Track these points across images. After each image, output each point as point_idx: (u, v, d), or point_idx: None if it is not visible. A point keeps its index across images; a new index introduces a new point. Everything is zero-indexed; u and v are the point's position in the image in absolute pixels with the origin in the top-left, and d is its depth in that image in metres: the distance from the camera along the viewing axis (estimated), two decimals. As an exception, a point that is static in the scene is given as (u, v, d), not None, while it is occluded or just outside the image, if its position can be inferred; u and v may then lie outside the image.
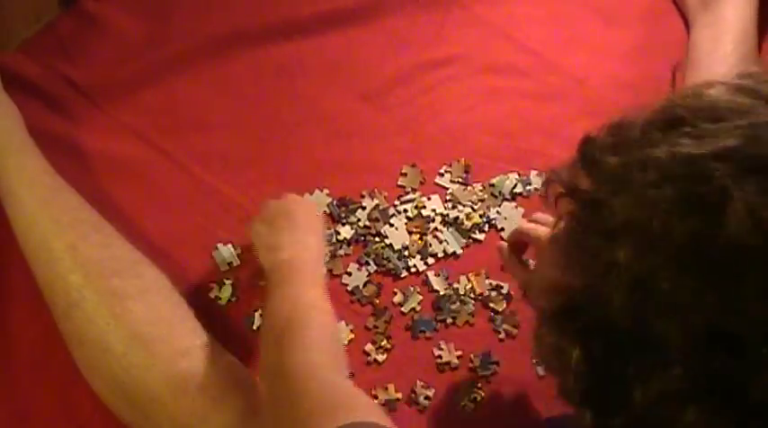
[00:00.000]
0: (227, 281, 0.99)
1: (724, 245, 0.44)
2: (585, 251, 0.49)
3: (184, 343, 0.84)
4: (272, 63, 1.14)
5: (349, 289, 0.99)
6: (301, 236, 0.88)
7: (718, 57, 1.05)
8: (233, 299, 0.98)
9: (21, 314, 0.94)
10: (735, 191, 0.44)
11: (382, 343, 0.97)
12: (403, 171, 1.07)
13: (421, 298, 0.99)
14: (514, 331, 0.98)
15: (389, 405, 0.94)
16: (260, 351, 0.80)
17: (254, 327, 0.96)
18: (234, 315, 0.97)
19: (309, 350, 0.71)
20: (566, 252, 0.52)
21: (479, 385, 0.95)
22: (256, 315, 0.97)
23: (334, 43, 1.16)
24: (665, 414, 0.45)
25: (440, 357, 0.96)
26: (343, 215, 1.03)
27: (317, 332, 0.74)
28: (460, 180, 1.07)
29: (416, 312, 0.99)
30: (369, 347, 0.97)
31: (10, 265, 0.95)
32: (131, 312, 0.84)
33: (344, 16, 1.18)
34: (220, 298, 0.98)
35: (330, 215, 1.04)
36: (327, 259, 0.97)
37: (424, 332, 0.98)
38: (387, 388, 0.95)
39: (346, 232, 1.02)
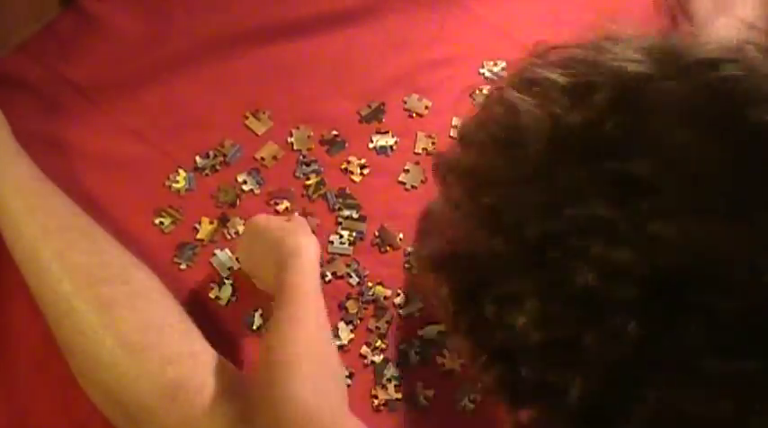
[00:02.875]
0: (227, 282, 0.99)
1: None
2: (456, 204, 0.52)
3: (174, 349, 0.83)
4: (272, 63, 1.14)
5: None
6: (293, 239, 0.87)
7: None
8: (233, 299, 0.98)
9: (21, 314, 0.94)
10: None
11: (377, 344, 0.97)
12: (406, 167, 1.08)
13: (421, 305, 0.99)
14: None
15: (389, 405, 0.94)
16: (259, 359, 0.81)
17: (255, 327, 0.96)
18: (234, 315, 0.97)
19: (290, 380, 0.74)
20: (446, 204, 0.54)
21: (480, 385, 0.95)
22: (256, 315, 0.97)
23: (334, 43, 1.17)
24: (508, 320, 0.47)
25: (443, 365, 0.97)
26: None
27: (297, 357, 0.76)
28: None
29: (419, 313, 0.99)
30: (364, 349, 0.97)
31: (10, 265, 0.94)
32: (120, 320, 0.83)
33: (344, 16, 1.18)
34: (221, 299, 0.98)
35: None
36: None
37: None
38: (386, 388, 0.95)
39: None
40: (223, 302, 0.98)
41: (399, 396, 0.94)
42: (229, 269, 0.99)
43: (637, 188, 0.43)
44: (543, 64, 0.52)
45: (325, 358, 0.81)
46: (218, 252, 1.00)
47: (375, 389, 0.94)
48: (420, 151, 1.09)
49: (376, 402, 0.94)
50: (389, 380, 0.95)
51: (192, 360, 0.83)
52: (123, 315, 0.84)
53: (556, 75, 0.49)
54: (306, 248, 0.85)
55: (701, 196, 0.43)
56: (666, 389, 0.43)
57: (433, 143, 1.09)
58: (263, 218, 0.93)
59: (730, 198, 0.43)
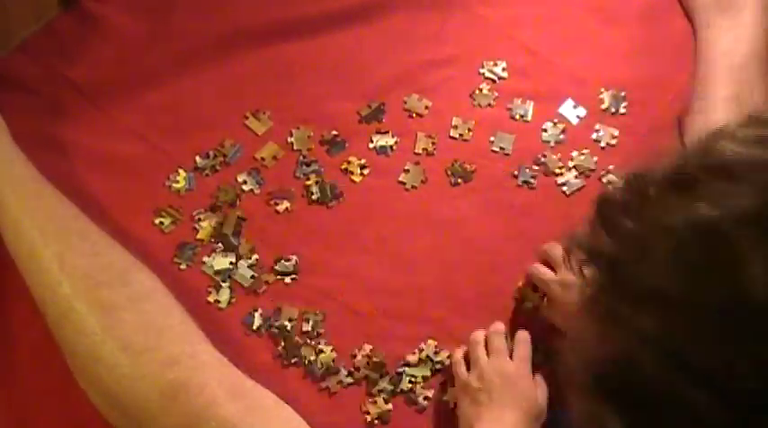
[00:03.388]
0: (225, 284, 0.99)
1: (752, 311, 0.43)
2: (614, 319, 0.48)
3: (175, 350, 0.83)
4: (273, 63, 1.14)
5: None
6: (501, 412, 0.86)
7: (735, 60, 1.05)
8: (232, 301, 0.98)
9: (21, 314, 0.94)
10: (752, 254, 0.43)
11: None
12: (406, 167, 1.08)
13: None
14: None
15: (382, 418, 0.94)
16: None
17: (255, 327, 0.96)
18: (234, 316, 0.97)
19: None
20: (595, 319, 0.50)
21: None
22: (256, 315, 0.97)
23: (334, 43, 1.16)
24: None
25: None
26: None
27: None
28: (461, 181, 1.07)
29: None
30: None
31: (10, 265, 0.94)
32: (120, 322, 0.83)
33: (345, 16, 1.18)
34: (219, 302, 0.98)
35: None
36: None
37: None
38: (376, 402, 0.95)
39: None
40: (223, 305, 0.98)
41: (390, 407, 0.94)
42: (220, 272, 0.99)
43: None
44: None
45: None
46: (206, 258, 1.00)
47: (365, 405, 0.95)
48: (420, 151, 1.09)
49: (368, 418, 0.94)
50: (379, 393, 0.95)
51: (193, 360, 0.83)
52: (123, 317, 0.84)
53: None
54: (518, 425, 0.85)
55: None
56: None
57: (433, 143, 1.09)
58: (519, 376, 0.89)
59: None
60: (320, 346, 0.96)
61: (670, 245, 0.46)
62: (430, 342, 0.97)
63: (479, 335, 0.93)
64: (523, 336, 0.93)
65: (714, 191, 0.46)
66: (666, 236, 0.46)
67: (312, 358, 0.95)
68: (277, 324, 0.97)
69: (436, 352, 0.97)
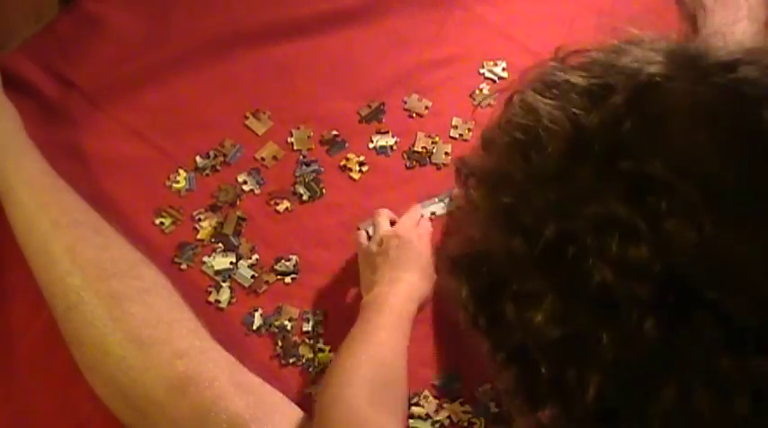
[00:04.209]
0: (225, 284, 0.99)
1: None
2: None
3: (183, 344, 0.84)
4: (272, 63, 1.14)
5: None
6: (400, 272, 0.90)
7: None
8: (233, 301, 0.98)
9: (21, 314, 0.94)
10: None
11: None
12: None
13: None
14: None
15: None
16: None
17: (255, 327, 0.96)
18: (234, 316, 0.97)
19: (350, 386, 0.77)
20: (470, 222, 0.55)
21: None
22: (257, 315, 0.97)
23: (334, 43, 1.17)
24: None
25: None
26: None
27: (367, 369, 0.79)
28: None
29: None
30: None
31: (10, 265, 0.95)
32: (130, 314, 0.84)
33: (344, 16, 1.18)
34: (220, 302, 0.98)
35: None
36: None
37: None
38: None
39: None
40: (223, 305, 0.98)
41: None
42: (220, 272, 0.99)
43: (653, 188, 0.43)
44: (563, 67, 0.52)
45: (390, 378, 0.81)
46: (206, 258, 1.00)
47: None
48: (420, 150, 1.09)
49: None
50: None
51: (202, 355, 0.84)
52: (133, 309, 0.84)
53: (575, 78, 0.50)
54: (417, 281, 0.90)
55: (716, 197, 0.43)
56: (681, 388, 0.44)
57: (433, 142, 1.09)
58: (414, 236, 0.94)
59: (744, 198, 0.43)
60: (319, 345, 0.96)
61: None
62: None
63: (383, 210, 0.98)
64: (413, 209, 0.99)
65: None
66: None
67: (310, 356, 0.95)
68: (277, 323, 0.97)
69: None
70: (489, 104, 1.12)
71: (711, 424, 0.44)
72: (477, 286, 0.51)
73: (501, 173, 0.50)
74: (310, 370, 0.94)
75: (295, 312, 0.98)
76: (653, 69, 0.47)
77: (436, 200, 1.04)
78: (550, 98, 0.49)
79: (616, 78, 0.48)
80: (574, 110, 0.47)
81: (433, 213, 1.03)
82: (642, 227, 0.43)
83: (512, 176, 0.49)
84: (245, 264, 1.00)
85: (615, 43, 0.53)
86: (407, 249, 0.92)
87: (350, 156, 1.08)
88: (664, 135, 0.45)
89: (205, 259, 1.00)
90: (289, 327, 0.97)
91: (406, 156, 1.08)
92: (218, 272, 0.99)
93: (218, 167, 1.06)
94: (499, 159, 0.51)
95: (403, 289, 0.89)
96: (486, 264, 0.50)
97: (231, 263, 1.00)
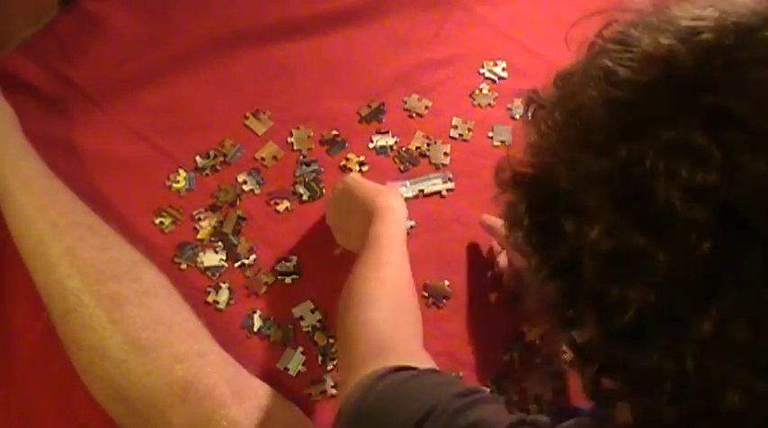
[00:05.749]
0: (224, 285, 0.98)
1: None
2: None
3: (183, 347, 0.84)
4: (272, 63, 1.14)
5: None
6: (374, 203, 0.90)
7: None
8: (231, 302, 0.98)
9: (21, 314, 0.94)
10: None
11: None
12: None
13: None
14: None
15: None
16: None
17: (254, 330, 0.96)
18: (233, 317, 0.97)
19: (368, 308, 0.77)
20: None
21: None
22: (255, 316, 0.97)
23: (334, 43, 1.17)
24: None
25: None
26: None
27: (378, 291, 0.79)
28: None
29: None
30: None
31: (10, 265, 0.95)
32: (129, 317, 0.83)
33: (344, 16, 1.18)
34: (218, 302, 0.98)
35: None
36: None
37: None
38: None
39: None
40: (221, 306, 0.98)
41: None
42: (210, 268, 0.99)
43: (730, 122, 0.46)
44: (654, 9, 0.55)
45: (404, 299, 0.82)
46: (201, 254, 1.00)
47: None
48: (414, 149, 1.09)
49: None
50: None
51: (202, 359, 0.83)
52: (133, 311, 0.84)
53: (671, 16, 0.52)
54: (397, 205, 0.91)
55: None
56: (721, 315, 0.45)
57: (428, 144, 1.09)
58: (356, 176, 0.98)
59: None
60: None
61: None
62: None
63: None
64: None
65: None
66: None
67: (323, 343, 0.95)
68: (277, 324, 0.97)
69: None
70: (489, 105, 1.12)
71: (743, 357, 0.45)
72: (536, 200, 0.53)
73: (578, 101, 0.51)
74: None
75: (295, 312, 0.98)
76: (738, 18, 0.49)
77: (424, 178, 1.06)
78: (644, 32, 0.51)
79: (703, 22, 0.50)
80: (668, 42, 0.49)
81: (420, 190, 1.05)
82: (716, 155, 0.45)
83: (590, 101, 0.50)
84: (244, 263, 1.00)
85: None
86: (357, 184, 0.94)
87: (350, 155, 1.08)
88: (747, 78, 0.47)
89: (200, 255, 1.00)
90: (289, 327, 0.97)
91: (398, 160, 1.08)
92: (207, 268, 0.99)
93: (218, 167, 1.06)
94: (580, 86, 0.52)
95: (389, 217, 0.89)
96: (549, 179, 0.51)
97: (221, 259, 0.99)
